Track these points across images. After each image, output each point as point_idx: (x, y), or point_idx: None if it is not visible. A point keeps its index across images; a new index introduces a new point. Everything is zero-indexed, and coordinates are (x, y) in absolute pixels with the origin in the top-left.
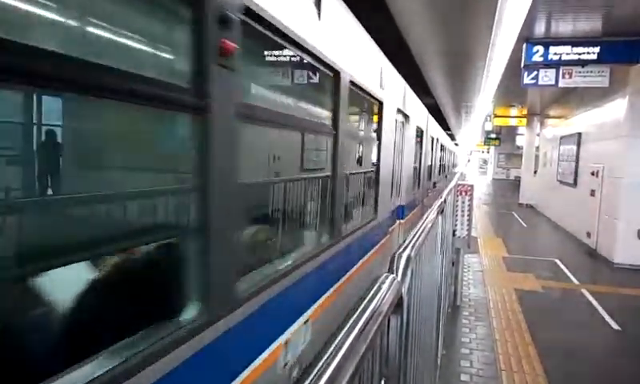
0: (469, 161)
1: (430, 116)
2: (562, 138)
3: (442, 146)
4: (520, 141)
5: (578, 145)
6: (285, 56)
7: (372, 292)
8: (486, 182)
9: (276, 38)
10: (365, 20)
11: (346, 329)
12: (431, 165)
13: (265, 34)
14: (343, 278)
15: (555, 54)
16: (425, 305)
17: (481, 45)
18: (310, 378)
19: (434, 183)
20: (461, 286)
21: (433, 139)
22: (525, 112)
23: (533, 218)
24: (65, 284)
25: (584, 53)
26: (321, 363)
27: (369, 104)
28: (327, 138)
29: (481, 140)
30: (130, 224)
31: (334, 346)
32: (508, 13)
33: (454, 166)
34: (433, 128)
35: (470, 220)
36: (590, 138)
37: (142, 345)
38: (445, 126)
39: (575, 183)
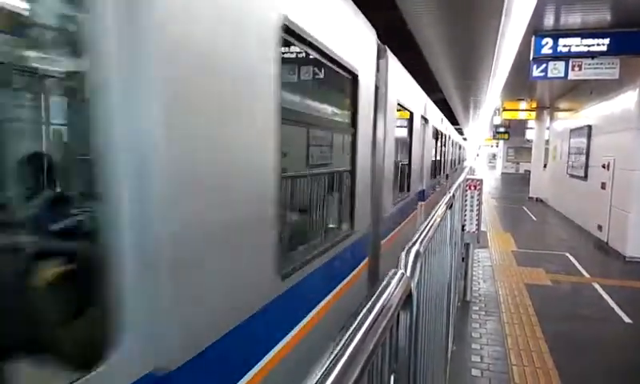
0: (478, 155)
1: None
2: (571, 130)
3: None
4: (529, 134)
5: (589, 137)
6: None
7: (381, 287)
8: (495, 176)
9: None
10: (370, 13)
11: (355, 324)
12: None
13: None
14: None
15: (564, 46)
16: (434, 300)
17: (489, 38)
18: (320, 373)
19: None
20: (470, 280)
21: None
22: (534, 105)
23: (543, 211)
24: None
25: (593, 44)
26: (331, 358)
27: None
28: None
29: (489, 134)
30: None
31: (343, 341)
32: (516, 5)
33: (459, 161)
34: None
35: (479, 214)
36: (600, 131)
37: None
38: (453, 120)
39: (586, 176)
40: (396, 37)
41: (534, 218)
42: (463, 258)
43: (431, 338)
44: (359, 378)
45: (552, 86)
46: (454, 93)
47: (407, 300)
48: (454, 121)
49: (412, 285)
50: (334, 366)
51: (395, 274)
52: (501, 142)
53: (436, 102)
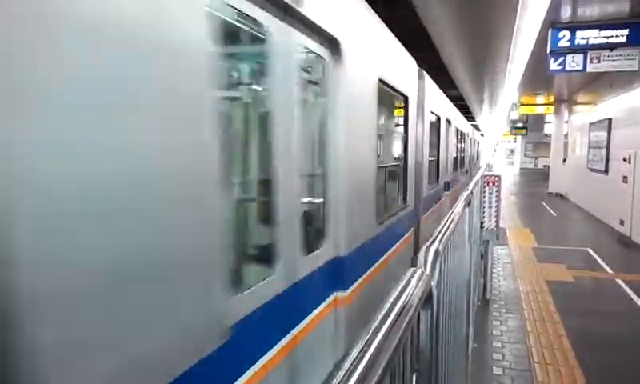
0: (495, 151)
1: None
2: (591, 124)
3: (462, 133)
4: (548, 129)
5: (609, 131)
6: None
7: (401, 287)
8: (514, 172)
9: None
10: (385, 10)
11: (376, 324)
12: (464, 153)
13: None
14: None
15: (582, 38)
16: (454, 298)
17: (505, 31)
18: (343, 373)
19: (468, 171)
20: (490, 278)
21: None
22: (552, 99)
23: (563, 207)
24: None
25: (612, 36)
26: (353, 358)
27: None
28: None
29: (507, 130)
30: None
31: (365, 340)
32: None
33: (470, 159)
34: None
35: (497, 211)
36: (620, 124)
37: None
38: (470, 117)
39: (606, 170)
40: (411, 35)
41: (553, 213)
42: (482, 256)
43: (452, 336)
44: (381, 379)
45: (570, 80)
46: (469, 88)
47: (427, 299)
48: (470, 117)
49: (432, 283)
50: (356, 366)
51: (415, 272)
52: (519, 137)
53: (452, 99)
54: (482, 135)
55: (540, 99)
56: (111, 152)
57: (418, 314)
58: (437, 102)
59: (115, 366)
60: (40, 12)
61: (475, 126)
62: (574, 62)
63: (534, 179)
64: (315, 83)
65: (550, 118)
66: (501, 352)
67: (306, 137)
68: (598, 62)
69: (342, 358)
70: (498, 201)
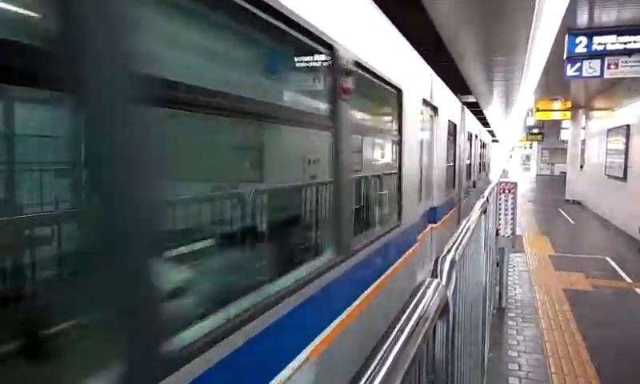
0: (511, 157)
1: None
2: (609, 130)
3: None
4: (564, 135)
5: (627, 137)
6: None
7: (417, 298)
8: (530, 178)
9: None
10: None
11: (393, 336)
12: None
13: None
14: None
15: (599, 44)
16: (470, 307)
17: (520, 37)
18: None
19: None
20: (506, 286)
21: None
22: (569, 105)
23: (580, 214)
24: None
25: (630, 42)
26: (370, 371)
27: None
28: None
29: (523, 135)
30: None
31: (381, 353)
32: (548, 3)
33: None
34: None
35: (513, 218)
36: (639, 130)
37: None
38: (485, 122)
39: (625, 177)
40: (429, 42)
41: (571, 221)
42: (498, 264)
43: (467, 346)
44: None
45: (587, 85)
46: (485, 94)
47: (444, 310)
48: (485, 123)
49: (448, 294)
50: (374, 378)
51: (431, 283)
52: (535, 143)
53: (467, 105)
54: (497, 141)
55: (557, 105)
56: None
57: (434, 325)
58: None
59: None
60: None
61: (490, 132)
62: (591, 67)
63: (551, 186)
64: None
65: (566, 123)
66: (517, 362)
67: None
68: (616, 67)
69: (359, 371)
70: (514, 208)
